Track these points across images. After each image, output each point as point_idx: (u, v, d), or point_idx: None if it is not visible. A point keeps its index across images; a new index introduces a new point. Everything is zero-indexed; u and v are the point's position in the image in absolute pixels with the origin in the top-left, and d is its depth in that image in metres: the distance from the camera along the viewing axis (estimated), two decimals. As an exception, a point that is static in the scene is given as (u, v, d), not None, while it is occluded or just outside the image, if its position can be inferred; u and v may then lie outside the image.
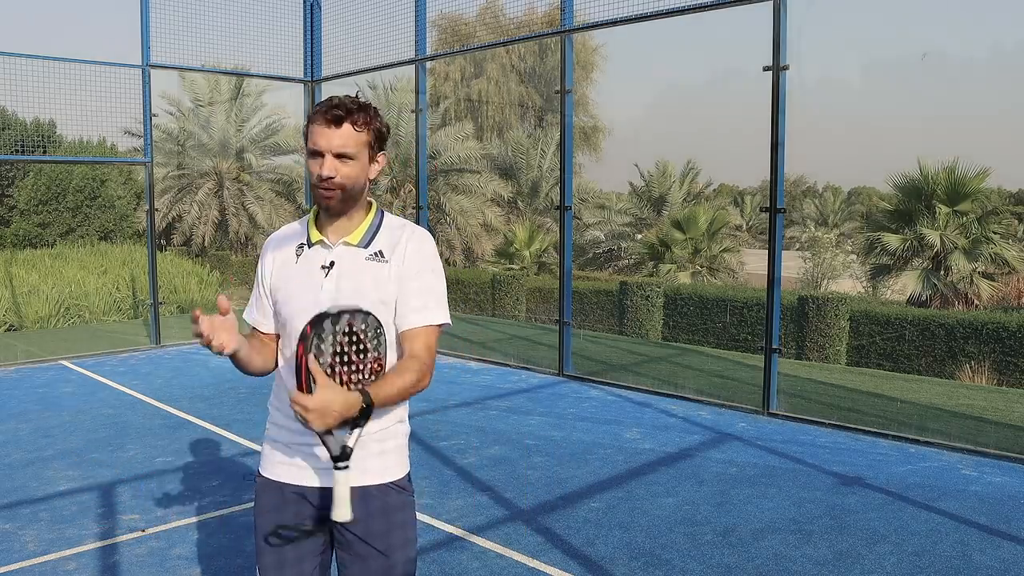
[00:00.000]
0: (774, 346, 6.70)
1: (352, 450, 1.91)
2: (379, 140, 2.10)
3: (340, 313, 1.88)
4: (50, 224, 25.09)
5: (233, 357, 2.07)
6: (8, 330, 13.11)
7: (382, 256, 2.09)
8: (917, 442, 5.93)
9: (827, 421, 6.46)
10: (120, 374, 8.59)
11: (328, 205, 2.06)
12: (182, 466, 5.49)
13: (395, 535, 2.12)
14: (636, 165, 31.11)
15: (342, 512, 1.91)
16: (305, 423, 1.81)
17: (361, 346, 1.91)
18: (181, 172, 25.58)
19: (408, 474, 2.20)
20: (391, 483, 2.13)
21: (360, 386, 1.91)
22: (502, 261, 23.00)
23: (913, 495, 4.87)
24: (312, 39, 10.69)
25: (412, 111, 9.50)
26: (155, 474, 5.33)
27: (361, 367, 1.92)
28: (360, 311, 1.93)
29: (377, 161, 2.12)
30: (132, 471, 5.39)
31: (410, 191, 23.42)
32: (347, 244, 2.11)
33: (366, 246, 2.10)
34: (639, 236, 27.53)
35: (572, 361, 8.44)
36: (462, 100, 31.33)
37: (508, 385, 7.98)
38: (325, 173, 2.02)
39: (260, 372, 2.19)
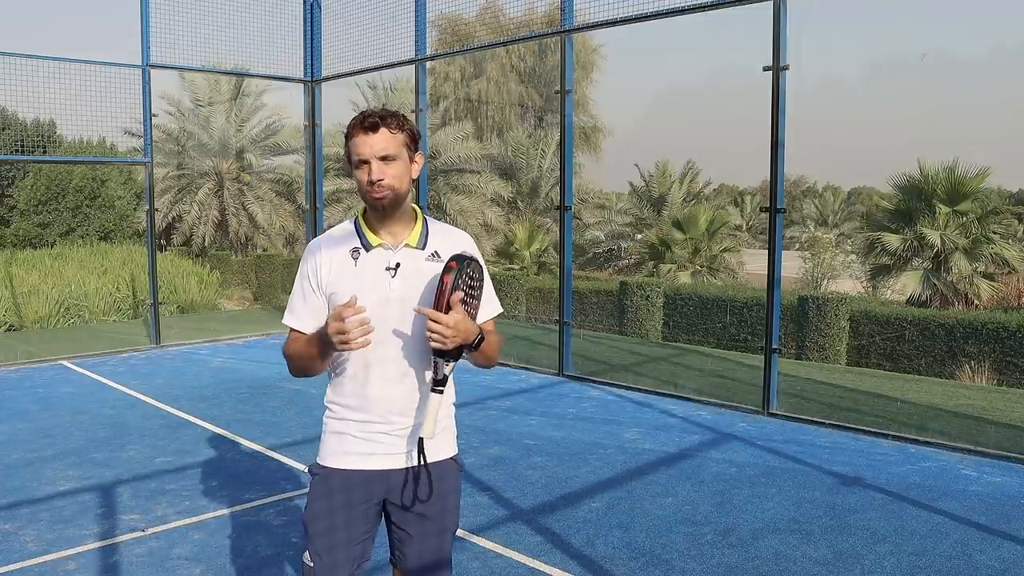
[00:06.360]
0: (774, 346, 6.69)
1: (448, 378, 2.19)
2: (413, 140, 2.26)
3: (471, 259, 2.16)
4: (50, 224, 25.07)
5: (300, 359, 2.26)
6: (8, 330, 13.11)
7: (439, 256, 2.28)
8: (917, 442, 5.93)
9: (827, 421, 6.46)
10: (120, 374, 8.59)
11: (382, 205, 2.21)
12: (182, 466, 5.50)
13: (450, 502, 2.36)
14: (636, 165, 31.12)
15: (428, 429, 2.18)
16: (438, 339, 2.08)
17: (475, 292, 2.20)
18: (181, 172, 25.54)
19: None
20: (452, 457, 2.38)
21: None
22: (502, 261, 22.98)
23: (913, 495, 4.87)
24: (312, 39, 10.68)
25: (412, 111, 9.47)
26: (155, 474, 5.33)
27: (471, 310, 2.20)
28: (477, 261, 2.18)
29: (416, 160, 2.27)
30: (132, 471, 5.39)
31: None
32: (408, 246, 2.28)
33: (423, 248, 2.30)
34: (639, 236, 27.53)
35: (572, 361, 8.44)
36: (462, 100, 31.28)
37: (508, 385, 7.98)
38: (375, 177, 2.17)
39: (317, 373, 2.32)
